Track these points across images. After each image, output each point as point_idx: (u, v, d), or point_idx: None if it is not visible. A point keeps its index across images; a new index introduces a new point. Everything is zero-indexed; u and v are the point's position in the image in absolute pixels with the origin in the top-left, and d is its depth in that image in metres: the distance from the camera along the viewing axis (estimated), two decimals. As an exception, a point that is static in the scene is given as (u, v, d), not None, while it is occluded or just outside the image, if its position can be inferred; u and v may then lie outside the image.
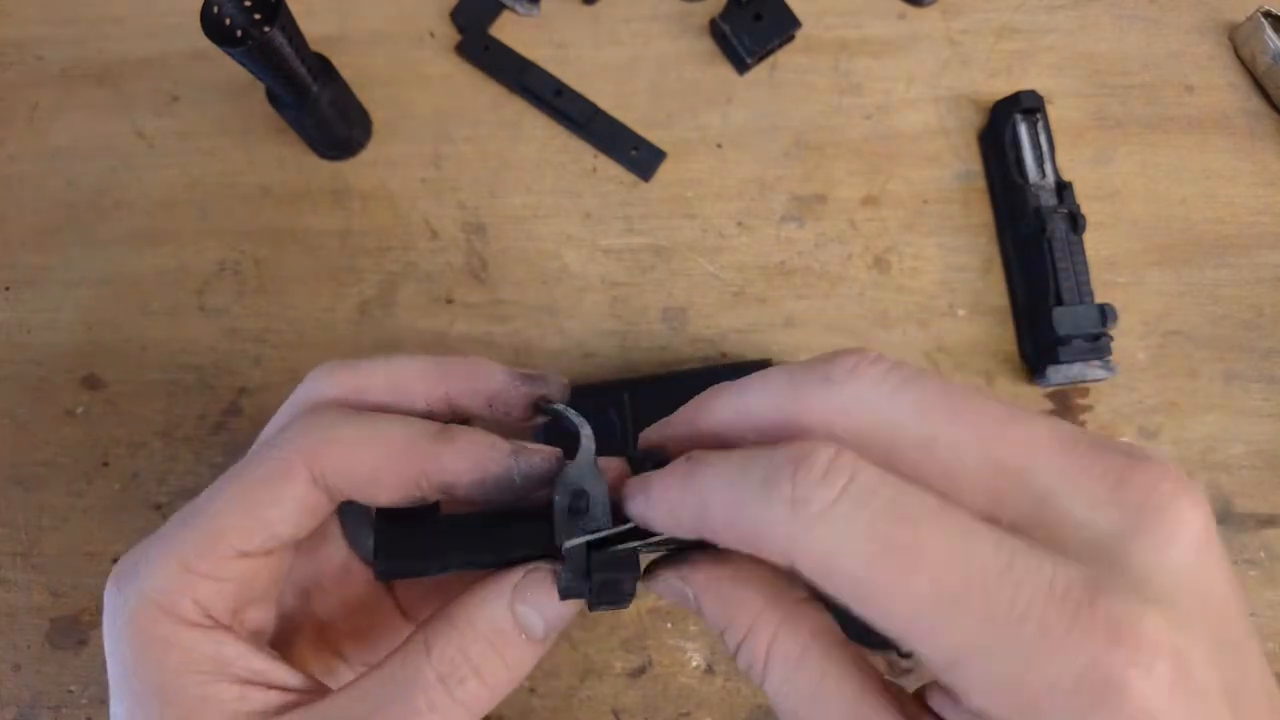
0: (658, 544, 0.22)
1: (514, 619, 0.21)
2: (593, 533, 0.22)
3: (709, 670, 0.40)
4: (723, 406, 0.22)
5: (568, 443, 0.24)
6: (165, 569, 0.21)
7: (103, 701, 0.39)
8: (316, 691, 0.22)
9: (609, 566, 0.22)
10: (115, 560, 0.40)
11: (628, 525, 0.22)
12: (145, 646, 0.21)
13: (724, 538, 0.19)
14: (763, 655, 0.19)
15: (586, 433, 0.23)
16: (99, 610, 0.39)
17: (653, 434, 0.24)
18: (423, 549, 0.23)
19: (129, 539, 0.41)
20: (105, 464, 0.42)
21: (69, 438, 0.42)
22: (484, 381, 0.25)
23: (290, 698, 0.21)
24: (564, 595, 0.22)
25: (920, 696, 0.19)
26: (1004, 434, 0.17)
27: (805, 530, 0.17)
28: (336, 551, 0.28)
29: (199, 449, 0.42)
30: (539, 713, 0.39)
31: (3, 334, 0.44)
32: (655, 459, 0.23)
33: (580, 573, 0.22)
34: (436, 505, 0.24)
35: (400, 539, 0.23)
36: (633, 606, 0.40)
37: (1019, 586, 0.15)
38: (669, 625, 0.40)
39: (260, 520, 0.22)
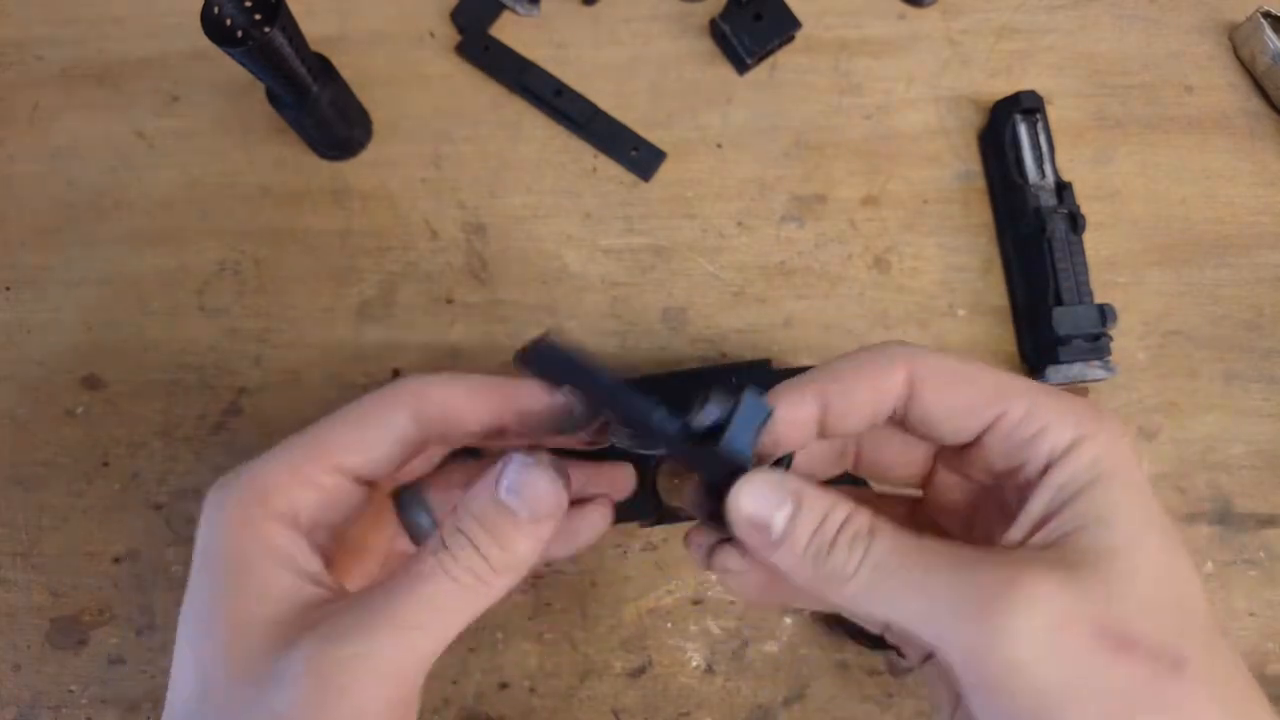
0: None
1: (500, 498, 0.25)
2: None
3: (709, 670, 0.40)
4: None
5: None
6: (271, 468, 0.25)
7: (103, 701, 0.39)
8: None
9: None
10: (116, 560, 0.40)
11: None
12: (237, 524, 0.25)
13: (845, 378, 0.25)
14: (868, 526, 0.23)
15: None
16: (99, 610, 0.40)
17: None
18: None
19: (129, 539, 0.41)
20: (105, 464, 0.42)
21: (69, 438, 0.42)
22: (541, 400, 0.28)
23: (331, 596, 0.25)
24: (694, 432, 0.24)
25: None
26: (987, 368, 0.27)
27: (916, 354, 0.25)
28: (386, 529, 0.33)
29: (199, 449, 0.42)
30: (539, 713, 0.39)
31: (3, 334, 0.44)
32: None
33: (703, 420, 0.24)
34: None
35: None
36: (632, 606, 0.40)
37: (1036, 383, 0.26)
38: (669, 625, 0.40)
39: (364, 439, 0.26)
